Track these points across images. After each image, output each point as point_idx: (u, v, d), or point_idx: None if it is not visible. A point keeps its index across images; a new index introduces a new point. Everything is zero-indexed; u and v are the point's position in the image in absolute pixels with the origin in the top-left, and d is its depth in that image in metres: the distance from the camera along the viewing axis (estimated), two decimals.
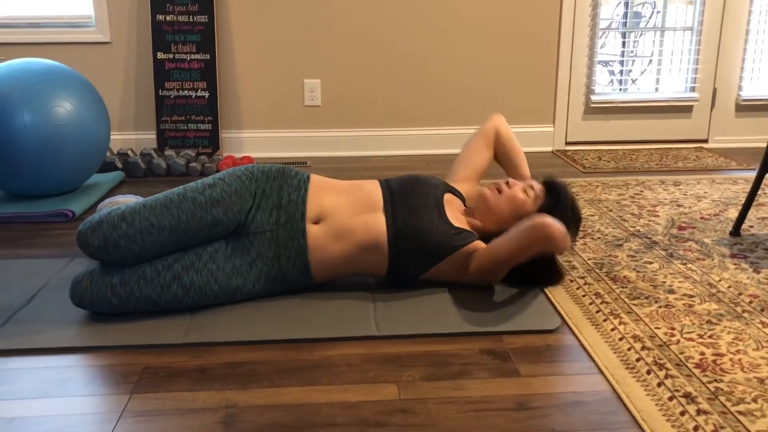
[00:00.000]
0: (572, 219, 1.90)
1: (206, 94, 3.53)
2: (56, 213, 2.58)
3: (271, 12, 3.54)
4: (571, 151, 3.73)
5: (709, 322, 1.69)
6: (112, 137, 3.57)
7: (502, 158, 2.17)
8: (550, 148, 3.80)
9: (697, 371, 1.46)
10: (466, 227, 1.90)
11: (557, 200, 1.90)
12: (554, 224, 1.68)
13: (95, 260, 1.77)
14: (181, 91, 3.52)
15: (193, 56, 3.50)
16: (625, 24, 3.77)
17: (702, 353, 1.53)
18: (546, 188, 1.94)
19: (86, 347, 1.59)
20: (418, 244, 1.81)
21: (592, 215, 2.56)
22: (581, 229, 2.39)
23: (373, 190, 1.90)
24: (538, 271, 1.89)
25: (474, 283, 1.87)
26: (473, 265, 1.82)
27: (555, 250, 1.74)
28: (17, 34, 3.49)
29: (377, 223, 1.81)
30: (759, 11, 3.75)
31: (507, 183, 1.95)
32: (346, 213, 1.83)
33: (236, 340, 1.62)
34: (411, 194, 1.87)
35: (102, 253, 1.69)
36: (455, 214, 1.91)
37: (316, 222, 1.83)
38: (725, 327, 1.66)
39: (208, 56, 3.50)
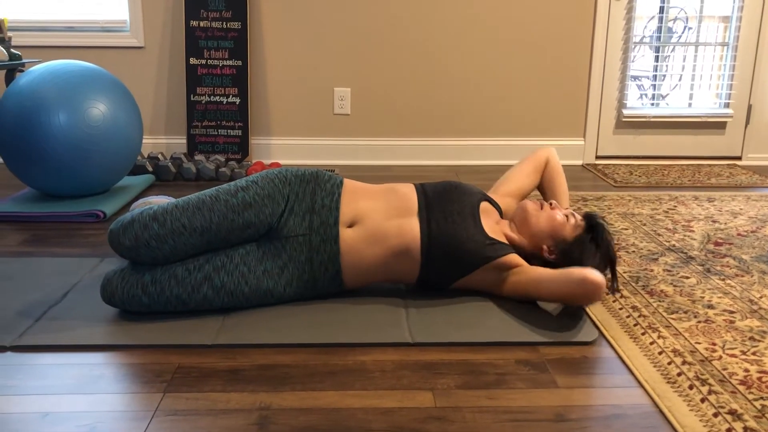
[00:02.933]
0: (607, 260, 1.86)
1: (237, 101, 3.54)
2: (88, 213, 2.59)
3: (303, 20, 3.55)
4: (602, 165, 3.68)
5: (751, 338, 1.64)
6: (143, 141, 3.60)
7: (546, 188, 2.15)
8: (580, 162, 3.76)
9: (741, 388, 1.41)
10: (502, 238, 1.87)
11: (595, 237, 1.84)
12: (599, 282, 1.65)
13: (126, 259, 1.77)
14: (212, 97, 3.54)
15: (225, 62, 3.52)
16: (659, 39, 3.73)
17: (746, 370, 1.49)
18: (586, 222, 1.89)
19: (119, 345, 1.59)
20: (451, 252, 1.78)
21: (626, 229, 2.52)
22: (616, 243, 2.36)
23: (408, 193, 1.88)
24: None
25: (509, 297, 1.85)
26: (508, 286, 1.81)
27: (589, 304, 1.76)
28: (54, 38, 3.54)
29: (411, 227, 1.79)
30: None
31: (550, 204, 1.93)
32: (381, 216, 1.81)
33: (268, 342, 1.61)
34: (447, 200, 1.85)
35: (133, 252, 1.69)
36: (491, 225, 1.89)
37: (351, 225, 1.81)
38: None
39: (240, 63, 3.52)
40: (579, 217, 1.90)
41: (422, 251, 1.79)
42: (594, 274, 1.65)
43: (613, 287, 1.91)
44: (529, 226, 1.89)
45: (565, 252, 1.83)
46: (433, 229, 1.79)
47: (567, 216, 1.89)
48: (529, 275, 1.78)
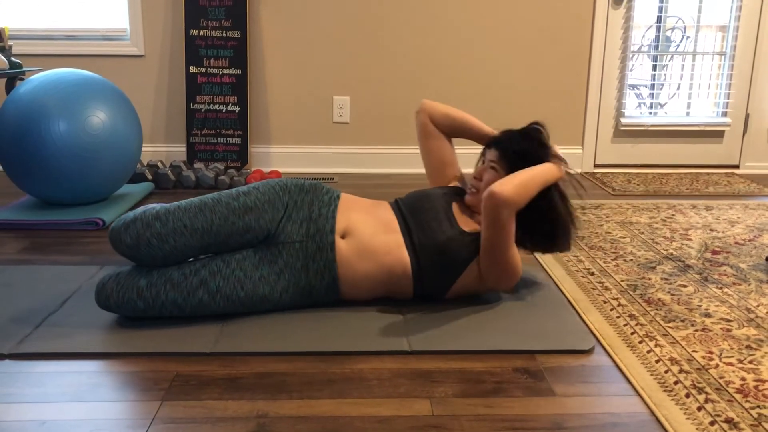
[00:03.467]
0: (530, 143, 1.87)
1: (237, 109, 3.56)
2: (87, 221, 2.60)
3: (302, 29, 3.57)
4: (600, 174, 3.70)
5: (748, 347, 1.65)
6: (143, 149, 3.61)
7: (455, 134, 2.09)
8: (578, 170, 3.77)
9: (738, 396, 1.42)
10: (478, 227, 1.89)
11: (507, 146, 1.87)
12: (494, 188, 1.69)
13: (125, 258, 1.76)
14: (212, 105, 3.55)
15: (225, 71, 3.54)
16: (656, 48, 3.75)
17: (743, 378, 1.49)
18: (496, 147, 1.90)
19: (117, 353, 1.59)
20: (438, 258, 1.80)
21: (624, 237, 2.53)
22: (614, 251, 2.37)
23: (386, 213, 1.90)
24: (549, 233, 1.90)
25: (496, 287, 1.86)
26: (480, 265, 1.82)
27: (519, 199, 1.72)
28: (54, 46, 3.56)
29: (397, 244, 1.82)
30: None
31: (475, 178, 1.94)
32: (369, 231, 1.83)
33: (266, 350, 1.61)
34: (419, 209, 1.88)
35: (133, 250, 1.69)
36: (466, 220, 1.91)
37: (343, 236, 1.83)
38: (766, 353, 1.61)
39: (239, 71, 3.54)
40: (494, 154, 1.90)
41: (412, 265, 1.81)
42: (497, 185, 1.70)
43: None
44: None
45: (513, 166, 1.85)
46: (416, 242, 1.82)
47: (491, 167, 1.89)
48: None
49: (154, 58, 3.59)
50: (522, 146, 1.88)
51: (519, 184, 1.73)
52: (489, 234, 1.75)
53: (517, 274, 1.82)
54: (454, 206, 1.93)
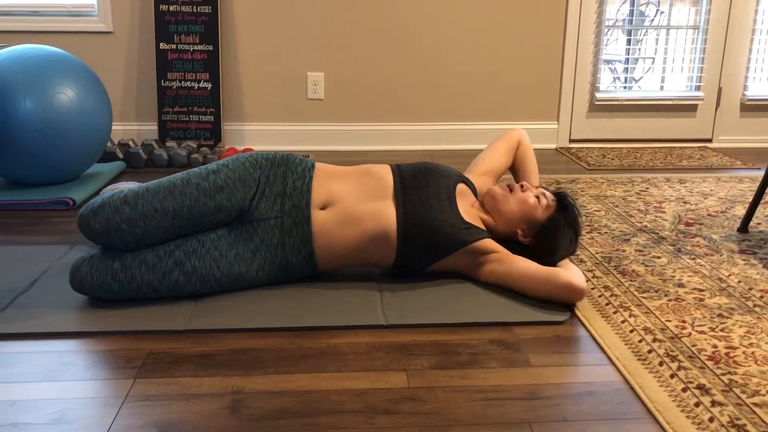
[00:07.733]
0: (574, 236, 1.86)
1: (209, 86, 3.50)
2: (57, 201, 2.55)
3: (275, 4, 3.51)
4: (575, 149, 3.71)
5: (720, 315, 1.67)
6: (113, 127, 3.54)
7: (518, 168, 2.16)
8: (554, 145, 3.78)
9: (710, 363, 1.43)
10: (477, 222, 1.87)
11: (565, 216, 1.85)
12: (584, 289, 1.67)
13: (96, 244, 1.74)
14: (183, 82, 3.49)
15: (196, 47, 3.47)
16: (631, 22, 3.75)
17: (714, 346, 1.51)
18: (557, 201, 1.89)
19: (89, 332, 1.57)
20: (428, 236, 1.78)
21: (598, 210, 2.54)
22: (588, 224, 2.38)
23: (384, 175, 1.87)
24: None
25: None
26: (486, 273, 1.82)
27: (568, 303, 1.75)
28: (19, 22, 3.46)
29: (386, 211, 1.78)
30: (765, 11, 3.73)
31: (522, 186, 1.92)
32: (355, 198, 1.80)
33: (241, 327, 1.60)
34: (423, 183, 1.85)
35: (103, 236, 1.66)
36: (467, 208, 1.88)
37: (323, 208, 1.80)
38: (737, 321, 1.64)
39: (211, 47, 3.47)
40: (550, 196, 1.90)
41: (398, 235, 1.78)
42: (579, 280, 1.68)
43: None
44: (500, 211, 1.89)
45: (539, 234, 1.84)
46: (409, 213, 1.79)
47: (538, 197, 1.89)
48: (510, 267, 1.77)
49: (123, 35, 3.51)
50: (571, 225, 1.84)
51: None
52: (531, 289, 1.73)
53: None
54: (458, 189, 1.91)
